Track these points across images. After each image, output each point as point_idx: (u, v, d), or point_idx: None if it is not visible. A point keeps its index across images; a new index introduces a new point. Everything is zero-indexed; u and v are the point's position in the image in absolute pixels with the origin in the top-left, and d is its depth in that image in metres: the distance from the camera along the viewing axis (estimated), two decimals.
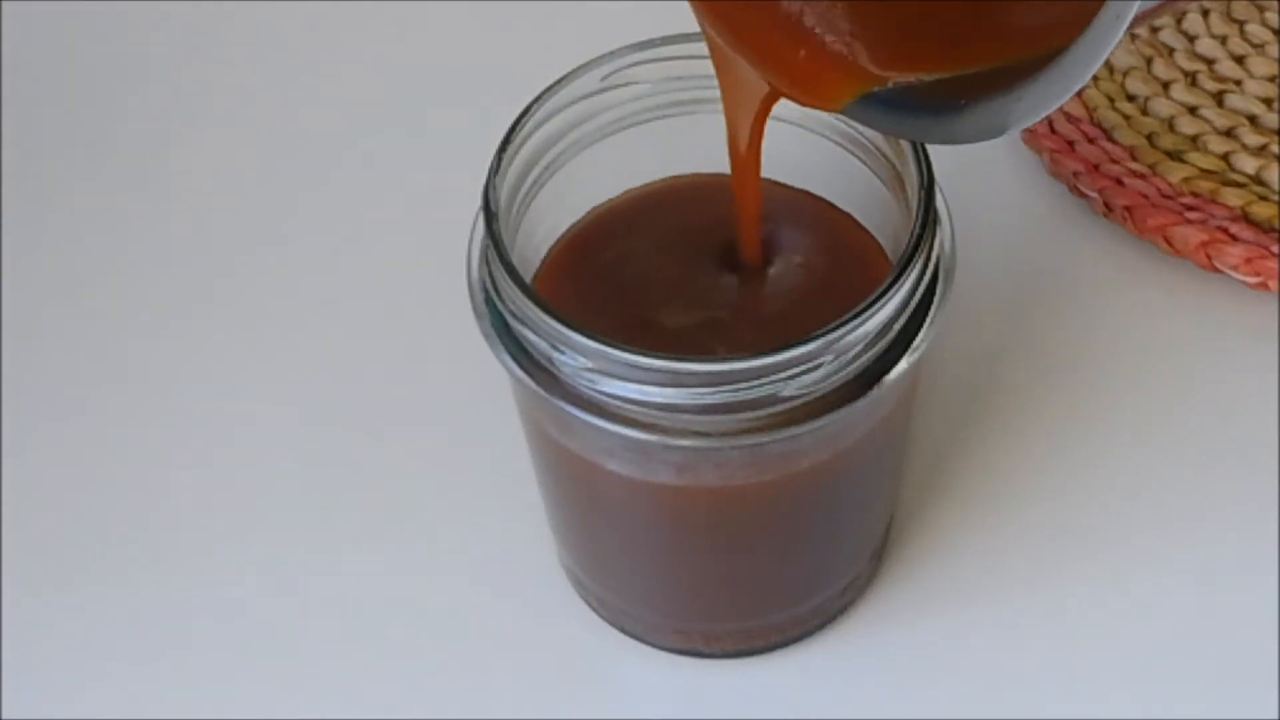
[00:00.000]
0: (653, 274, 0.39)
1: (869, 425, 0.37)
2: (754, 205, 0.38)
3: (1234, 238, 0.47)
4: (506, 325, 0.35)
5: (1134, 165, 0.49)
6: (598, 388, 0.34)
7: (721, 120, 0.37)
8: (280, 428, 0.47)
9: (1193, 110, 0.50)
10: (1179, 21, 0.52)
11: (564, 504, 0.40)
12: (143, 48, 0.57)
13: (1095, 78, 0.51)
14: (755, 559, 0.39)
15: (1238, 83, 0.51)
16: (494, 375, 0.37)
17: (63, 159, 0.54)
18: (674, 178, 0.40)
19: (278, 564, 0.44)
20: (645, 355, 0.33)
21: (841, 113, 0.34)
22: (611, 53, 0.38)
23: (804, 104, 0.35)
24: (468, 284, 0.37)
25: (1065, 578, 0.43)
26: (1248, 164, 0.49)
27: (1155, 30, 0.52)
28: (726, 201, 0.38)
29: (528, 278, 0.37)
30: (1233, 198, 0.48)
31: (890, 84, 0.33)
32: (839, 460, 0.38)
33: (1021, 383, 0.46)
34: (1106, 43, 0.25)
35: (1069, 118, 0.50)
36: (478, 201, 0.36)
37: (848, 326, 0.33)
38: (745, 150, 0.37)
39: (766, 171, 0.38)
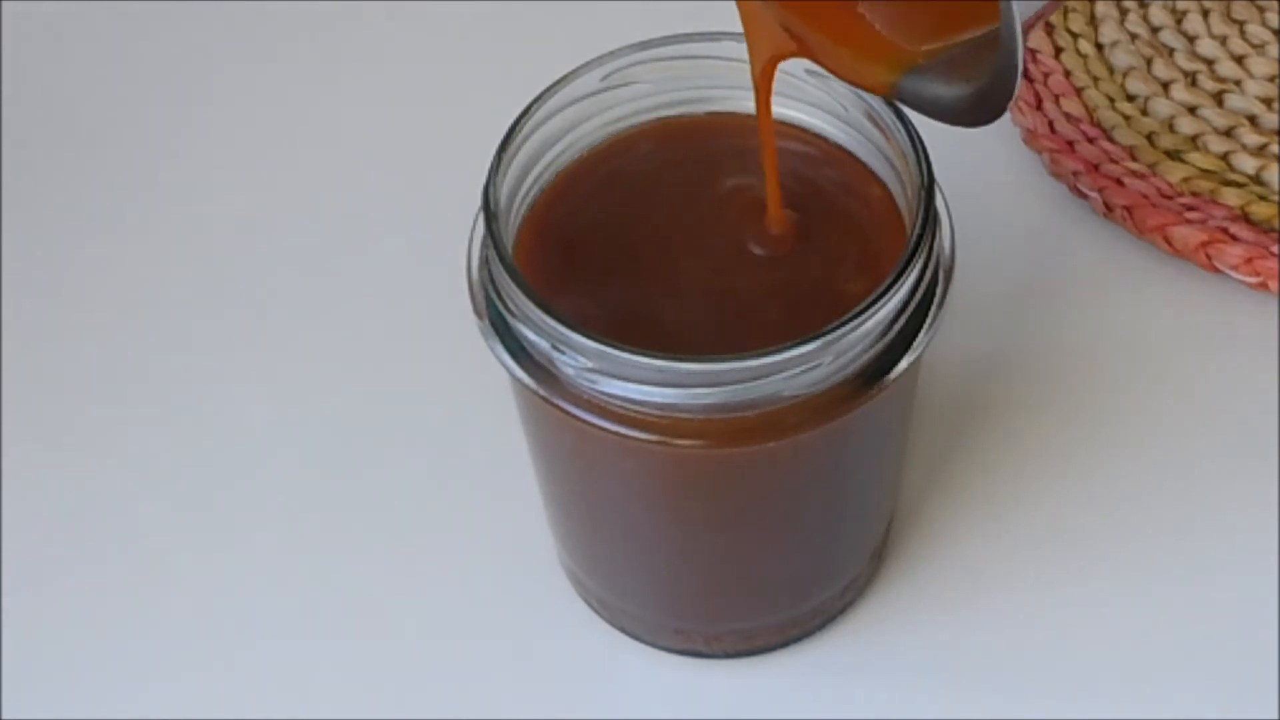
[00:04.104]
0: (636, 231, 0.39)
1: (869, 425, 0.37)
2: (771, 147, 0.38)
3: (1234, 238, 0.47)
4: (507, 325, 0.35)
5: (1134, 165, 0.49)
6: (598, 388, 0.34)
7: (721, 117, 0.38)
8: (280, 428, 0.47)
9: (1193, 110, 0.50)
10: (1179, 21, 0.52)
11: (564, 503, 0.40)
12: (143, 48, 0.57)
13: (1095, 78, 0.51)
14: (755, 558, 0.39)
15: (1238, 83, 0.51)
16: (494, 375, 0.37)
17: (63, 159, 0.54)
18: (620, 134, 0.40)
19: (277, 565, 0.44)
20: (646, 355, 0.33)
21: (889, 93, 0.36)
22: (611, 53, 0.38)
23: (857, 81, 0.36)
24: (468, 284, 0.37)
25: (1065, 578, 0.43)
26: (1248, 164, 0.49)
27: (1155, 30, 0.52)
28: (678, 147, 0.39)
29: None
30: (1233, 198, 0.48)
31: (921, 60, 0.35)
32: (839, 460, 0.38)
33: (1021, 383, 0.46)
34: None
35: (1069, 118, 0.50)
36: (478, 201, 0.36)
37: (848, 326, 0.33)
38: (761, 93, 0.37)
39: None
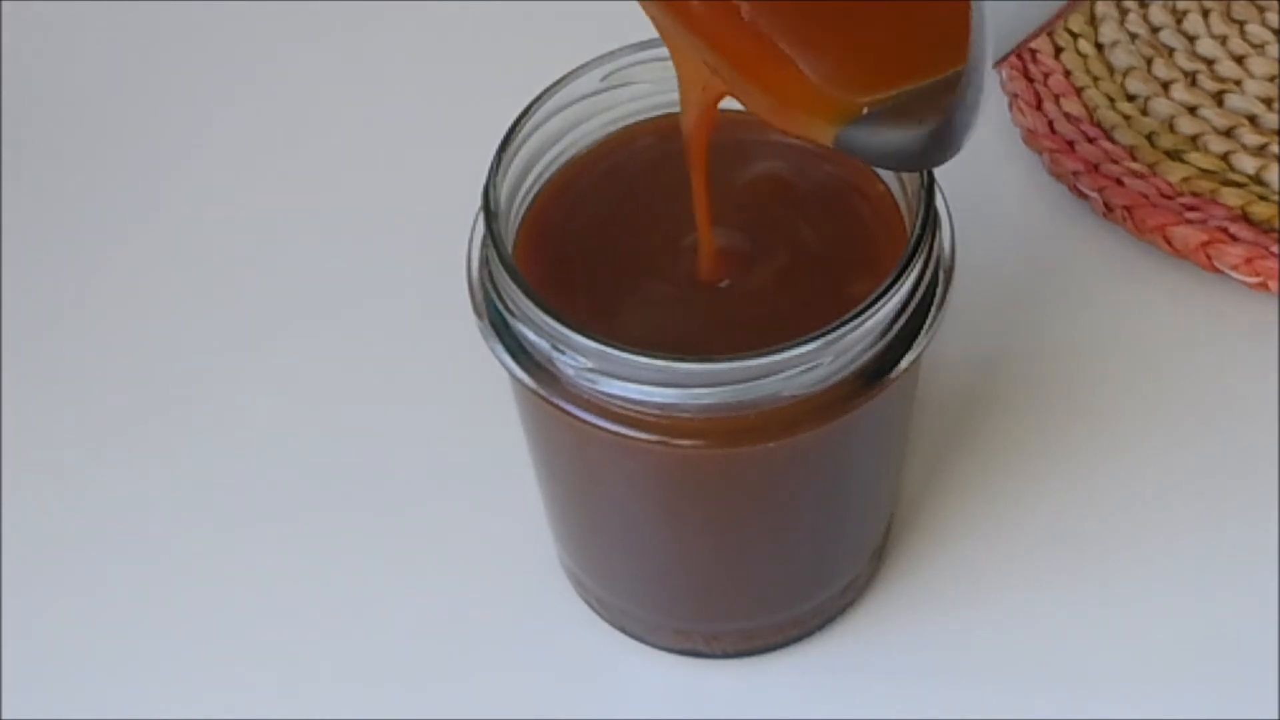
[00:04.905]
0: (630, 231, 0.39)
1: (869, 425, 0.37)
2: (705, 197, 0.38)
3: (1234, 238, 0.47)
4: (507, 325, 0.35)
5: (1134, 165, 0.49)
6: (598, 388, 0.34)
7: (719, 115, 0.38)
8: (280, 428, 0.47)
9: (1193, 110, 0.50)
10: (1179, 21, 0.52)
11: (564, 503, 0.40)
12: (143, 48, 0.57)
13: (1095, 78, 0.51)
14: (755, 558, 0.39)
15: (1238, 83, 0.51)
16: (494, 375, 0.37)
17: (63, 158, 0.54)
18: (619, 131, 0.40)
19: (278, 564, 0.44)
20: (646, 355, 0.33)
21: (835, 144, 0.35)
22: (611, 53, 0.38)
23: (796, 133, 0.35)
24: (468, 284, 0.37)
25: (1065, 578, 0.43)
26: (1248, 164, 0.49)
27: (1155, 30, 0.52)
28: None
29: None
30: (1233, 198, 0.48)
31: (865, 110, 0.34)
32: (838, 460, 0.38)
33: (1021, 383, 0.46)
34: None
35: (1069, 118, 0.50)
36: (478, 201, 0.36)
37: (848, 326, 0.33)
38: (694, 146, 0.37)
39: None
